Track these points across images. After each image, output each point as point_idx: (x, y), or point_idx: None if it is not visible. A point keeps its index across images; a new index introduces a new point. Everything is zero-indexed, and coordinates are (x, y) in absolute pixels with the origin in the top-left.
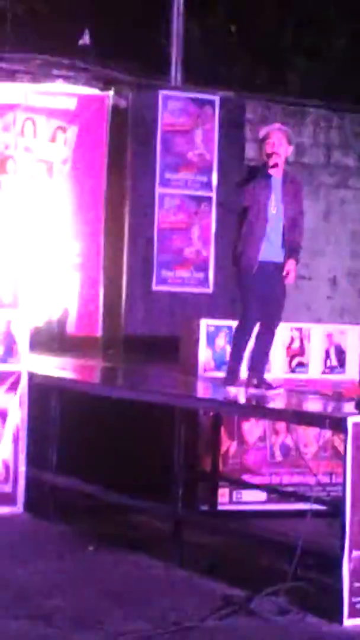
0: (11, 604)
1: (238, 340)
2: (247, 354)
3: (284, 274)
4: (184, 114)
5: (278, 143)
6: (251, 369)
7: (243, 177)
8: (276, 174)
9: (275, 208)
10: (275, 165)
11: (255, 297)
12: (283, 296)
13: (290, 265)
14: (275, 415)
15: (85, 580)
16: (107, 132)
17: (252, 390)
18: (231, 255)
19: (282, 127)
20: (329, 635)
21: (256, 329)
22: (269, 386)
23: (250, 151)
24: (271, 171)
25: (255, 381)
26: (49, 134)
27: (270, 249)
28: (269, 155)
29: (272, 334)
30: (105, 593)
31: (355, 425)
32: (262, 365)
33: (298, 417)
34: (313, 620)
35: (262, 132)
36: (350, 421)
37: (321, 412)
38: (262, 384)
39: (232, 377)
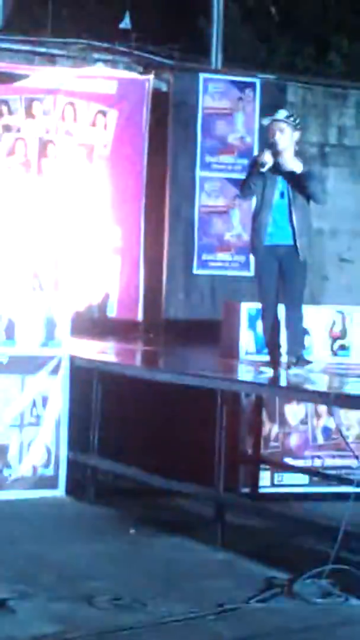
0: (54, 585)
1: (264, 325)
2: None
3: None
4: (225, 97)
5: (280, 132)
6: (288, 351)
7: (249, 169)
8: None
9: (280, 195)
10: (276, 155)
11: (266, 283)
12: (299, 275)
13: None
14: (318, 397)
15: (128, 563)
16: (148, 116)
17: (292, 370)
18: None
19: (283, 117)
20: None
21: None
22: (306, 362)
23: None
24: (263, 161)
25: (293, 359)
26: (89, 118)
27: (277, 233)
28: (271, 146)
29: (296, 313)
30: (148, 575)
31: None
32: (296, 344)
33: (340, 400)
34: (356, 602)
35: (265, 121)
36: None
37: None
38: (299, 361)
39: (270, 360)
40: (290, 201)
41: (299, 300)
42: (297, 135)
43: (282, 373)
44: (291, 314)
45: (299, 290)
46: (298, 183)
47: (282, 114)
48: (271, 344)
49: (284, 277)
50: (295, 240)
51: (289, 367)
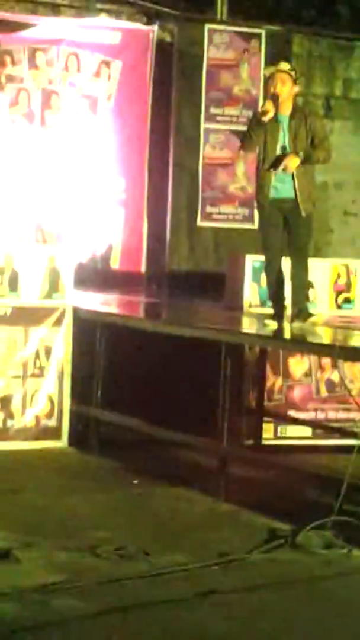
0: (58, 536)
1: (268, 278)
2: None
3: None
4: (230, 48)
5: (282, 84)
6: (292, 303)
7: (250, 123)
8: (281, 113)
9: (282, 148)
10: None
11: (271, 236)
12: (305, 228)
13: (289, 158)
14: (322, 350)
15: (131, 514)
16: (152, 67)
17: (295, 323)
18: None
19: (285, 68)
20: None
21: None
22: (309, 315)
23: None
24: (265, 111)
25: (296, 312)
26: (93, 68)
27: (281, 187)
28: (273, 96)
29: (301, 266)
30: (151, 526)
31: None
32: (299, 298)
33: (345, 353)
34: (358, 554)
35: (267, 72)
36: None
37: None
38: (302, 314)
39: (275, 313)
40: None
41: (305, 253)
42: (296, 89)
43: (286, 326)
44: (296, 267)
45: (304, 244)
46: (305, 153)
47: (284, 65)
48: (275, 297)
49: (289, 231)
50: (297, 195)
51: (292, 320)
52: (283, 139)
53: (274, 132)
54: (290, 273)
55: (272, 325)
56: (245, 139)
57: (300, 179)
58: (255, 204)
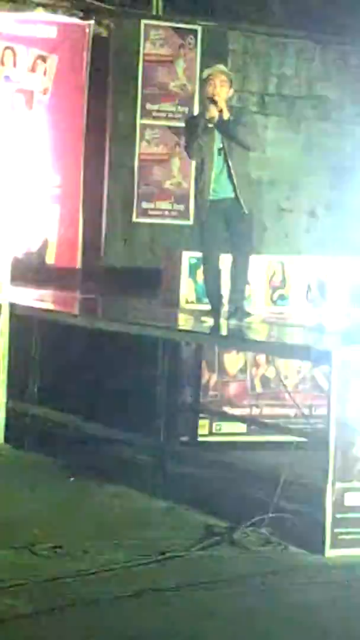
0: None
1: (205, 275)
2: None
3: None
4: (166, 44)
5: (220, 85)
6: (229, 300)
7: (186, 130)
8: (218, 117)
9: (218, 151)
10: (220, 111)
11: (209, 233)
12: (245, 226)
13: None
14: (259, 347)
15: (68, 511)
16: (88, 62)
17: (231, 320)
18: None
19: (224, 69)
20: (311, 566)
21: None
22: (245, 314)
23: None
24: (211, 117)
25: (232, 309)
26: (29, 63)
27: (220, 187)
28: (211, 98)
29: (242, 264)
30: (89, 523)
31: (340, 358)
32: (236, 294)
33: (282, 350)
34: (295, 551)
35: (205, 73)
36: (335, 354)
37: (305, 345)
38: (238, 311)
39: (214, 313)
40: (227, 155)
41: (245, 251)
42: (231, 91)
43: (223, 323)
44: (236, 265)
45: (245, 241)
46: (228, 132)
47: (222, 68)
48: (212, 293)
49: (229, 229)
50: (236, 193)
51: (228, 317)
52: (219, 141)
53: (210, 137)
54: (230, 270)
55: (209, 322)
56: (191, 148)
57: (239, 177)
58: (193, 203)
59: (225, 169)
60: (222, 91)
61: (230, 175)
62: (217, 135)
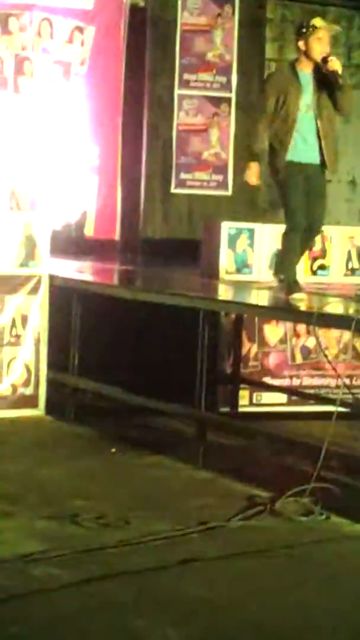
0: (37, 505)
1: (287, 246)
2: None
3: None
4: (203, 14)
5: (326, 41)
6: (276, 271)
7: (269, 75)
8: (308, 71)
9: (307, 107)
10: (325, 62)
11: (296, 201)
12: (323, 201)
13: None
14: (300, 317)
15: (110, 482)
16: (125, 33)
17: (278, 292)
18: (267, 161)
19: (334, 28)
20: (353, 535)
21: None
22: (297, 287)
23: (270, 51)
24: (304, 68)
25: (281, 277)
26: (66, 34)
27: (304, 151)
28: (314, 50)
29: (311, 237)
30: (130, 494)
31: None
32: (290, 267)
33: (322, 320)
34: (338, 520)
35: (317, 23)
36: None
37: (346, 314)
38: (290, 283)
39: (292, 286)
40: (317, 116)
41: (317, 229)
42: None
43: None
44: (306, 237)
45: (321, 216)
46: (332, 88)
47: (333, 27)
48: (292, 269)
49: (306, 200)
50: (322, 158)
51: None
52: (309, 98)
53: (299, 91)
54: (303, 241)
55: (301, 298)
56: (271, 86)
57: (327, 140)
58: (271, 171)
59: (315, 133)
60: (327, 48)
61: (318, 137)
62: (308, 91)
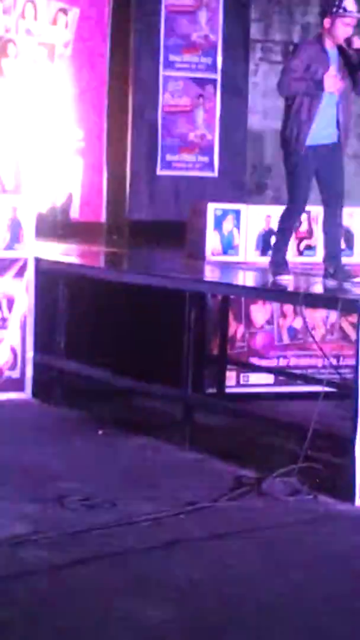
0: (24, 487)
1: (283, 226)
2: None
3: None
4: None
5: (352, 27)
6: (325, 258)
7: (302, 43)
8: (334, 48)
9: (329, 85)
10: (348, 42)
11: (302, 184)
12: (341, 177)
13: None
14: (286, 297)
15: (97, 464)
16: (110, 14)
17: (330, 281)
18: (280, 137)
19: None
20: (341, 514)
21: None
22: (347, 275)
23: (255, 32)
24: (329, 45)
25: (331, 270)
26: (50, 16)
27: (323, 130)
28: (338, 32)
29: (337, 218)
30: (118, 476)
31: None
32: (335, 251)
33: (310, 300)
34: (325, 500)
35: (348, 4)
36: None
37: (333, 295)
38: (339, 272)
39: (280, 266)
40: (338, 94)
41: (340, 204)
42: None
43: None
44: (331, 220)
45: (340, 194)
46: (353, 67)
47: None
48: (284, 248)
49: (324, 179)
50: (340, 137)
51: (325, 276)
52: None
53: (324, 69)
54: (327, 224)
55: (282, 278)
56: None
57: (347, 122)
58: (287, 149)
59: (335, 112)
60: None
61: (337, 116)
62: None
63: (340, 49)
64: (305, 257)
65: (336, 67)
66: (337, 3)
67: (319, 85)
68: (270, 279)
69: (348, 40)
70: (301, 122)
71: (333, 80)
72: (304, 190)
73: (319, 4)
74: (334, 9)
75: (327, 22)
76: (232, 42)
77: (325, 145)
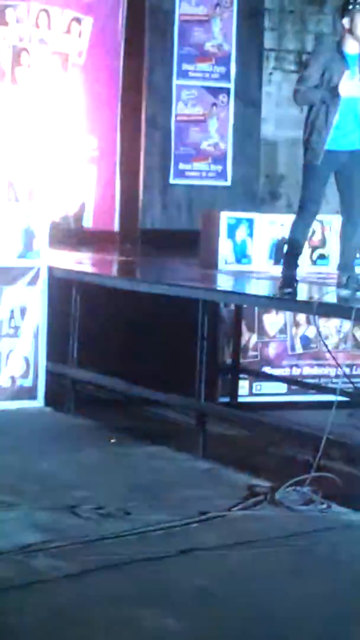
0: (37, 495)
1: (292, 238)
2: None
3: None
4: (202, 3)
5: None
6: (340, 267)
7: (317, 47)
8: (354, 51)
9: (348, 89)
10: None
11: (316, 191)
12: None
13: None
14: (299, 307)
15: (109, 472)
16: (123, 23)
17: (343, 291)
18: (302, 142)
19: None
20: (355, 524)
21: (339, 223)
22: (358, 284)
23: (269, 41)
24: (349, 48)
25: (345, 279)
26: (63, 25)
27: (346, 136)
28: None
29: (354, 228)
30: (130, 484)
31: None
32: (350, 262)
33: (323, 309)
34: (338, 510)
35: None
36: None
37: (347, 304)
38: (352, 281)
39: (287, 283)
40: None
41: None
42: None
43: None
44: (348, 228)
45: None
46: None
47: None
48: (299, 244)
49: (343, 186)
50: None
51: (339, 285)
52: (353, 79)
53: (341, 73)
54: (343, 233)
55: (289, 292)
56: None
57: None
58: (305, 154)
59: (357, 113)
60: None
61: (358, 122)
62: (354, 73)
63: None
64: (319, 266)
65: (355, 70)
66: (352, 0)
67: (335, 91)
68: (276, 291)
69: None
70: (317, 132)
71: (349, 86)
72: (315, 202)
73: (335, 8)
74: (350, 6)
75: (346, 21)
76: (245, 51)
77: (346, 152)
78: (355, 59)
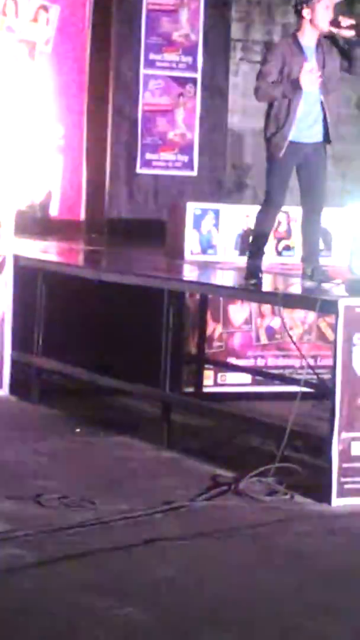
0: (1, 485)
1: (258, 229)
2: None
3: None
4: None
5: (331, 10)
6: (303, 259)
7: (272, 45)
8: (311, 43)
9: (310, 82)
10: (337, 26)
11: (281, 183)
12: (324, 178)
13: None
14: (264, 298)
15: (74, 462)
16: (91, 11)
17: (307, 283)
18: (263, 135)
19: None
20: (318, 515)
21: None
22: (325, 276)
23: (236, 32)
24: (308, 39)
25: (309, 271)
26: (30, 13)
27: (306, 128)
28: (321, 18)
29: (316, 219)
30: (95, 474)
31: (346, 307)
32: (314, 253)
33: (288, 300)
34: (302, 500)
35: None
36: (342, 304)
37: (312, 295)
38: (317, 273)
39: (252, 274)
40: (323, 90)
41: (321, 204)
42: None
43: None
44: (310, 220)
45: (322, 194)
46: (344, 54)
47: None
48: (259, 251)
49: (305, 178)
50: (327, 138)
51: (303, 277)
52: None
53: (301, 65)
54: (306, 224)
55: (254, 284)
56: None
57: (330, 115)
58: (269, 148)
59: (319, 108)
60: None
61: (324, 116)
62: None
63: (330, 36)
64: (284, 257)
65: (314, 62)
66: None
67: (296, 84)
68: (241, 282)
69: (336, 23)
70: (280, 125)
71: (310, 77)
72: (280, 194)
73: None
74: None
75: (306, 12)
76: (212, 42)
77: (309, 144)
78: (312, 50)
